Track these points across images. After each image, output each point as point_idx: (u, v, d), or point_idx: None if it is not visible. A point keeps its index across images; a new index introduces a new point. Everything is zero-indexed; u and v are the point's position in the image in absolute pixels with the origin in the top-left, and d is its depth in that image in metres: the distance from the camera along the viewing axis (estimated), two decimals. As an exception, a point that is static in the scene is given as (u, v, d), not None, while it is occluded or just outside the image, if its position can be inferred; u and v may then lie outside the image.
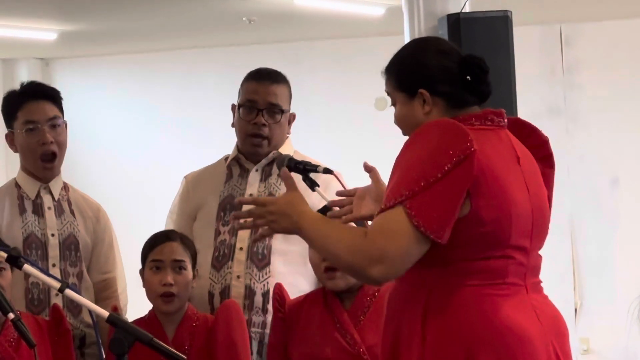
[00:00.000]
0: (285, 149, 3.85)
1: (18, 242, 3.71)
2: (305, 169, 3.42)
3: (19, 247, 3.61)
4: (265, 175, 3.86)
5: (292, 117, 3.93)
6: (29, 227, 3.78)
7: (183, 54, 9.71)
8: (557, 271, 8.27)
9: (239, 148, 3.92)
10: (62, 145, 3.83)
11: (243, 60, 7.26)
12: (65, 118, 3.86)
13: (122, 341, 2.67)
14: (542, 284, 2.83)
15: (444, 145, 2.61)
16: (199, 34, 9.03)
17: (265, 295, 3.72)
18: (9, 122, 3.84)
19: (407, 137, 2.75)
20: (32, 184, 3.83)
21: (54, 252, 3.77)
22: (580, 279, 8.77)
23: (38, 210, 3.81)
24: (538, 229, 2.77)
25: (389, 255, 2.59)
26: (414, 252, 2.61)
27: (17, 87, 3.89)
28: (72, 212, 3.87)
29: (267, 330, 3.69)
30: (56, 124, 3.81)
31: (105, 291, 3.91)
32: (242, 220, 2.90)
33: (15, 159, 3.94)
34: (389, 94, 2.88)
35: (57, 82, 9.07)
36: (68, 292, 2.79)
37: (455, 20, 5.89)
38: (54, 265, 3.75)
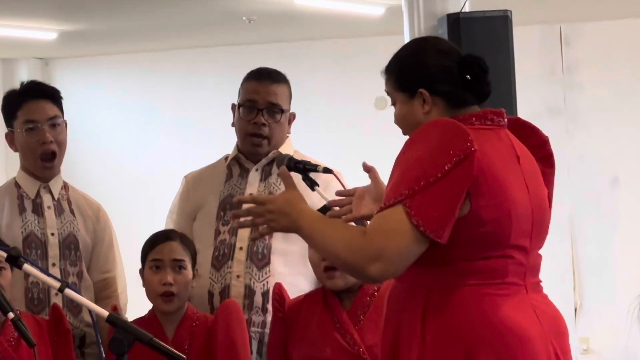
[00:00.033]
0: (285, 149, 3.85)
1: (18, 242, 3.71)
2: (305, 168, 3.42)
3: (19, 247, 3.61)
4: (265, 175, 3.86)
5: (292, 117, 3.93)
6: (29, 227, 3.78)
7: (183, 54, 9.71)
8: (557, 271, 8.27)
9: (239, 148, 3.92)
10: (62, 145, 3.83)
11: (243, 60, 7.26)
12: (65, 118, 3.87)
13: (121, 341, 2.67)
14: (542, 284, 2.83)
15: (444, 145, 2.61)
16: (199, 34, 9.03)
17: (265, 294, 3.72)
18: (8, 121, 3.84)
19: (407, 137, 2.75)
20: (32, 184, 3.83)
21: (53, 251, 3.77)
22: (580, 279, 8.77)
23: (38, 209, 3.81)
24: (538, 228, 2.77)
25: (388, 253, 2.59)
26: (413, 251, 2.61)
27: (17, 86, 3.89)
28: (72, 211, 3.87)
29: (267, 330, 3.69)
30: (56, 124, 3.81)
31: (105, 290, 3.91)
32: (241, 219, 2.90)
33: (15, 158, 3.94)
34: (388, 93, 2.88)
35: (57, 82, 9.06)
36: (68, 291, 2.79)
37: (455, 20, 5.90)
38: (53, 264, 3.75)
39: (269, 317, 3.68)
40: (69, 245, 3.81)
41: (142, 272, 3.68)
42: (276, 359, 3.61)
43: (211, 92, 9.43)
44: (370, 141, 8.35)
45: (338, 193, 3.16)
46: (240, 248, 3.77)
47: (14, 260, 2.85)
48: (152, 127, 9.89)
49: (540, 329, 2.68)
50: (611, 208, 8.70)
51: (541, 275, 2.83)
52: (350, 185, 3.32)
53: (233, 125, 3.91)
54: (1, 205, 3.82)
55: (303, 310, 3.57)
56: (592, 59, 8.79)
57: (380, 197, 2.87)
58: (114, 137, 9.96)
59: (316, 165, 3.43)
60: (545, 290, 2.84)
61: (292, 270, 3.77)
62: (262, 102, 3.82)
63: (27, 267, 2.83)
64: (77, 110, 8.34)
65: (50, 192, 3.85)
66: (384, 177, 2.75)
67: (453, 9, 6.00)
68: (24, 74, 9.37)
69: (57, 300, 3.68)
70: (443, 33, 5.87)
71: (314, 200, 3.34)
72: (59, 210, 3.84)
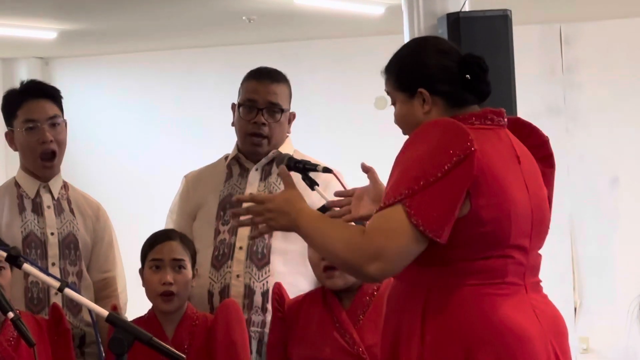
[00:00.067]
0: (285, 148, 3.85)
1: (17, 241, 3.71)
2: (305, 168, 3.42)
3: (19, 246, 3.62)
4: (265, 175, 3.86)
5: (292, 116, 3.93)
6: (29, 226, 3.78)
7: (183, 53, 9.71)
8: (556, 271, 8.27)
9: (238, 147, 3.92)
10: (61, 144, 3.83)
11: (243, 59, 7.26)
12: (65, 117, 3.86)
13: (121, 340, 2.67)
14: (541, 284, 2.83)
15: (444, 145, 2.61)
16: (198, 34, 9.03)
17: (264, 294, 3.72)
18: (8, 120, 3.84)
19: (407, 137, 2.75)
20: (32, 183, 3.83)
21: (53, 251, 3.77)
22: (580, 279, 8.77)
23: (37, 209, 3.81)
24: (538, 228, 2.77)
25: (387, 253, 2.59)
26: (412, 250, 2.61)
27: (17, 86, 3.89)
28: (71, 210, 3.87)
29: (267, 330, 3.69)
30: (56, 123, 3.80)
31: (105, 290, 3.91)
32: (241, 218, 2.90)
33: (15, 157, 3.94)
34: (388, 93, 2.88)
35: (57, 81, 9.05)
36: (67, 291, 2.79)
37: (454, 20, 5.89)
38: (53, 264, 3.75)
39: (269, 317, 3.68)
40: (69, 244, 3.81)
41: (141, 271, 3.68)
42: (276, 359, 3.61)
43: (211, 92, 9.43)
44: (370, 141, 8.35)
45: (337, 193, 3.16)
46: (240, 248, 3.77)
47: (14, 260, 2.85)
48: (152, 126, 9.90)
49: (539, 329, 2.68)
50: (611, 208, 8.70)
51: (541, 275, 2.83)
52: (350, 185, 3.32)
53: (233, 124, 3.91)
54: (1, 205, 3.82)
55: (303, 310, 3.57)
56: (592, 59, 8.79)
57: (379, 197, 2.87)
58: (113, 137, 9.96)
59: (316, 165, 3.43)
60: (545, 290, 2.84)
61: (291, 269, 3.77)
62: (262, 102, 3.82)
63: (26, 266, 2.83)
64: (77, 109, 8.34)
65: (50, 192, 3.85)
66: (385, 176, 2.75)
67: (453, 8, 6.00)
68: (23, 74, 9.37)
69: (56, 299, 3.68)
70: (443, 32, 5.87)
71: (314, 199, 3.34)
72: (58, 210, 3.84)
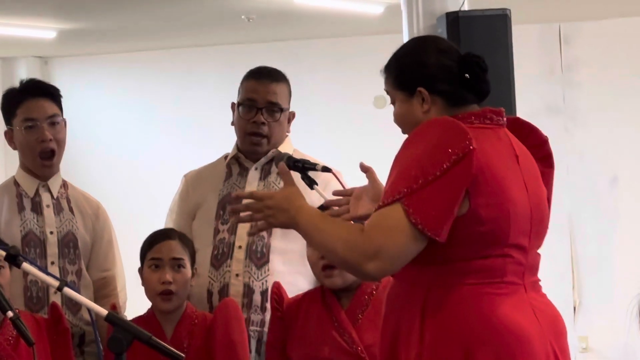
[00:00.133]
0: (284, 148, 3.85)
1: (17, 240, 3.71)
2: (304, 167, 3.42)
3: (18, 245, 3.62)
4: (265, 174, 3.86)
5: (292, 116, 3.93)
6: (28, 225, 3.78)
7: (182, 53, 9.71)
8: (556, 270, 8.27)
9: (238, 147, 3.92)
10: (61, 143, 3.83)
11: (242, 58, 7.26)
12: (64, 116, 3.87)
13: (120, 340, 2.67)
14: (540, 283, 2.83)
15: (443, 144, 2.61)
16: (198, 33, 9.03)
17: (264, 293, 3.72)
18: (8, 119, 3.85)
19: (406, 136, 2.76)
20: (31, 182, 3.84)
21: (52, 249, 3.77)
22: (579, 278, 8.77)
23: (37, 208, 3.81)
24: (537, 227, 2.78)
25: (386, 251, 2.59)
26: (411, 249, 2.61)
27: (16, 85, 3.89)
28: (71, 209, 3.87)
29: (266, 329, 3.69)
30: (55, 122, 3.81)
31: (105, 289, 3.91)
32: (240, 214, 2.90)
33: (14, 156, 3.94)
34: (388, 92, 2.89)
35: (56, 81, 9.06)
36: (66, 290, 2.79)
37: (454, 19, 5.89)
38: (52, 263, 3.75)
39: (268, 316, 3.68)
40: (68, 243, 3.81)
41: (140, 270, 3.68)
42: (275, 358, 3.61)
43: (210, 91, 9.43)
44: (369, 140, 8.34)
45: (335, 193, 3.16)
46: (240, 247, 3.77)
47: (13, 259, 2.85)
48: (152, 126, 9.89)
49: (538, 328, 2.68)
50: (610, 207, 8.70)
51: (540, 274, 2.83)
52: (349, 184, 3.32)
53: (233, 124, 3.92)
54: (0, 204, 3.82)
55: (302, 309, 3.57)
56: (591, 58, 8.78)
57: (377, 197, 2.87)
58: (113, 136, 9.96)
59: (315, 164, 3.43)
60: (545, 289, 2.84)
61: (291, 269, 3.77)
62: (261, 101, 3.82)
63: (25, 265, 2.83)
64: (76, 109, 8.34)
65: (49, 191, 3.85)
66: (384, 175, 2.75)
67: (452, 7, 6.00)
68: (23, 73, 9.36)
69: (56, 298, 3.69)
70: (442, 32, 5.86)
71: (313, 199, 3.34)
72: (58, 209, 3.84)
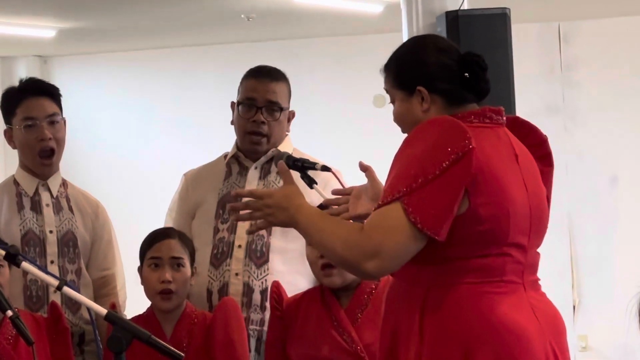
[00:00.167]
0: (284, 147, 3.85)
1: (16, 239, 3.71)
2: (303, 166, 3.42)
3: (17, 244, 3.63)
4: (264, 173, 3.86)
5: (292, 115, 3.93)
6: (27, 224, 3.78)
7: (182, 52, 9.70)
8: (555, 269, 8.27)
9: (238, 146, 3.92)
10: (60, 142, 3.83)
11: (242, 58, 7.25)
12: (64, 115, 3.87)
13: (120, 339, 2.68)
14: (540, 282, 2.83)
15: (443, 143, 2.61)
16: (198, 32, 9.02)
17: (263, 292, 3.72)
18: (7, 118, 3.85)
19: (406, 135, 2.76)
20: (31, 181, 3.84)
21: (52, 249, 3.77)
22: (578, 277, 8.77)
23: (36, 207, 3.81)
24: (536, 227, 2.78)
25: (385, 250, 2.59)
26: (411, 248, 2.61)
27: (15, 84, 3.89)
28: (70, 208, 3.87)
29: (265, 328, 3.69)
30: (55, 121, 3.81)
31: (104, 288, 3.91)
32: (240, 212, 2.90)
33: (14, 156, 3.94)
34: (387, 91, 2.89)
35: (56, 80, 9.04)
36: (66, 289, 2.79)
37: (453, 18, 5.89)
38: (52, 262, 3.75)
39: (268, 315, 3.68)
40: (68, 242, 3.81)
41: (140, 269, 3.68)
42: (274, 357, 3.61)
43: (210, 90, 9.42)
44: (369, 139, 8.34)
45: (334, 192, 3.16)
46: (239, 246, 3.77)
47: (12, 258, 2.85)
48: (152, 124, 9.89)
49: (538, 327, 2.68)
50: (610, 206, 8.69)
51: (540, 273, 2.83)
52: (349, 183, 3.32)
53: (232, 123, 3.92)
54: (0, 203, 3.82)
55: (301, 308, 3.58)
56: (591, 57, 8.78)
57: (376, 196, 2.87)
58: (113, 135, 9.96)
59: (314, 163, 3.43)
60: (544, 288, 2.84)
61: (290, 268, 3.77)
62: (261, 100, 3.82)
63: (25, 265, 2.83)
64: (75, 108, 8.32)
65: (49, 190, 3.85)
66: (383, 174, 2.75)
67: (452, 6, 6.00)
68: (22, 72, 9.36)
69: (55, 298, 3.69)
70: (442, 31, 5.86)
71: (313, 198, 3.34)
72: (57, 208, 3.84)
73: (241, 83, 3.90)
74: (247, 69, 3.93)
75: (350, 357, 3.44)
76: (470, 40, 5.71)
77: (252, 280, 3.74)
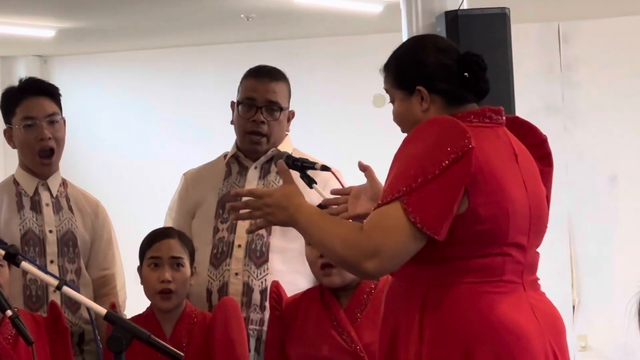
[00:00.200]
0: (284, 147, 3.85)
1: (16, 239, 3.71)
2: (303, 166, 3.42)
3: (17, 244, 3.62)
4: (264, 173, 3.86)
5: (292, 115, 3.93)
6: (27, 224, 3.78)
7: (182, 52, 9.70)
8: (555, 269, 8.27)
9: (238, 145, 3.92)
10: (60, 142, 3.83)
11: (241, 57, 7.25)
12: (64, 115, 3.87)
13: (120, 339, 2.67)
14: (539, 282, 2.83)
15: (442, 142, 2.62)
16: (197, 32, 9.02)
17: (263, 292, 3.72)
18: (7, 118, 3.85)
19: (405, 134, 2.76)
20: (30, 181, 3.84)
21: (51, 248, 3.77)
22: (578, 277, 8.77)
23: (36, 206, 3.81)
24: (536, 226, 2.78)
25: (385, 250, 2.59)
26: (410, 248, 2.61)
27: (15, 84, 3.89)
28: (70, 208, 3.87)
29: (265, 328, 3.69)
30: (54, 120, 3.81)
31: (104, 288, 3.91)
32: (240, 211, 2.90)
33: (13, 155, 3.94)
34: (387, 91, 2.89)
35: (55, 80, 9.03)
36: (66, 289, 2.79)
37: (453, 18, 5.89)
38: (52, 261, 3.75)
39: (267, 315, 3.68)
40: (67, 242, 3.81)
41: (140, 269, 3.68)
42: (274, 357, 3.61)
43: (210, 90, 9.42)
44: (368, 139, 8.34)
45: (333, 192, 3.16)
46: (239, 246, 3.77)
47: (12, 258, 2.85)
48: (151, 124, 9.89)
49: (537, 327, 2.68)
50: (609, 206, 8.69)
51: (539, 273, 2.83)
52: (349, 183, 3.32)
53: (232, 123, 3.92)
54: (0, 203, 3.82)
55: (300, 308, 3.57)
56: (591, 57, 8.78)
57: (376, 196, 2.87)
58: (112, 135, 9.96)
59: (314, 163, 3.43)
60: (544, 288, 2.84)
61: (290, 268, 3.77)
62: (261, 100, 3.82)
63: (24, 264, 2.83)
64: (75, 107, 8.33)
65: (49, 189, 3.85)
66: (383, 174, 2.75)
67: (451, 6, 6.00)
68: (22, 72, 9.36)
69: (55, 297, 3.68)
70: (441, 31, 5.86)
71: (312, 198, 3.34)
72: (57, 207, 3.84)
73: (241, 83, 3.90)
74: (247, 68, 3.93)
75: (349, 356, 3.44)
76: (470, 40, 5.71)
77: (252, 280, 3.74)
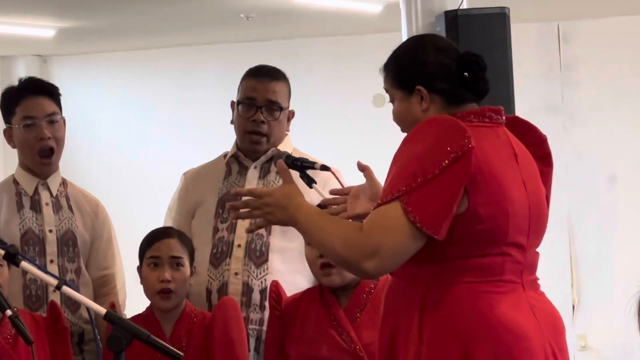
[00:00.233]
0: (284, 147, 3.85)
1: (16, 239, 3.71)
2: (303, 165, 3.42)
3: (17, 244, 3.63)
4: (264, 173, 3.86)
5: (292, 115, 3.93)
6: (27, 224, 3.78)
7: (181, 51, 9.70)
8: (555, 268, 8.27)
9: (238, 145, 3.92)
10: (60, 141, 3.83)
11: (241, 57, 7.25)
12: (64, 115, 3.87)
13: (119, 338, 2.67)
14: (539, 282, 2.83)
15: (442, 142, 2.62)
16: (197, 32, 9.02)
17: (262, 292, 3.72)
18: (7, 117, 3.85)
19: (405, 134, 2.76)
20: (30, 180, 3.84)
21: (51, 248, 3.77)
22: (578, 276, 8.77)
23: (36, 206, 3.81)
24: (535, 226, 2.78)
25: (384, 249, 2.59)
26: (410, 247, 2.61)
27: (15, 83, 3.89)
28: (70, 208, 3.87)
29: (265, 328, 3.69)
30: (54, 120, 3.81)
31: (104, 287, 3.91)
32: (240, 210, 2.90)
33: (13, 155, 3.94)
34: (387, 90, 2.89)
35: (55, 79, 9.00)
36: (65, 289, 2.79)
37: (452, 17, 5.89)
38: (51, 261, 3.75)
39: (267, 315, 3.68)
40: (67, 241, 3.81)
41: (139, 269, 3.68)
42: (273, 357, 3.61)
43: (210, 90, 9.42)
44: (368, 139, 8.34)
45: (332, 192, 3.16)
46: (239, 245, 3.77)
47: (12, 258, 2.85)
48: (151, 124, 9.89)
49: (537, 327, 2.68)
50: (609, 205, 8.69)
51: (539, 273, 2.83)
52: (349, 183, 3.32)
53: (232, 122, 3.92)
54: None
55: (300, 308, 3.57)
56: (590, 57, 8.78)
57: (375, 196, 2.88)
58: (112, 135, 9.95)
59: (314, 163, 3.43)
60: (543, 288, 2.84)
61: (290, 267, 3.77)
62: (261, 100, 3.82)
63: (24, 264, 2.83)
64: (75, 107, 8.32)
65: (49, 189, 3.85)
66: (383, 174, 2.75)
67: (451, 6, 6.00)
68: (21, 71, 9.35)
69: (55, 297, 3.68)
70: (441, 30, 5.86)
71: (312, 197, 3.34)
72: (57, 207, 3.84)
73: (241, 82, 3.90)
74: (247, 68, 3.93)
75: (349, 356, 3.44)
76: (470, 39, 5.72)
77: (252, 280, 3.74)
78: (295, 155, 3.56)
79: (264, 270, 3.75)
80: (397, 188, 2.60)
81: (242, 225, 3.74)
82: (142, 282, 3.67)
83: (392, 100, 2.87)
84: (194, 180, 3.98)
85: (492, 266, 2.67)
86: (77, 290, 2.97)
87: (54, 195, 3.85)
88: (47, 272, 2.90)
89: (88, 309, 2.94)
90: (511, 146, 2.78)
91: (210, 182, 3.91)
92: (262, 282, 3.73)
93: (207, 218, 3.86)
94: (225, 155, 3.95)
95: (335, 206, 3.11)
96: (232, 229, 3.79)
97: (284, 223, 2.81)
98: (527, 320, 2.67)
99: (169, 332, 3.61)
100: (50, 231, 3.78)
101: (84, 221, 3.88)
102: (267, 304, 3.68)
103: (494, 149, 2.71)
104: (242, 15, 8.23)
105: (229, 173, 3.90)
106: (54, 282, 2.80)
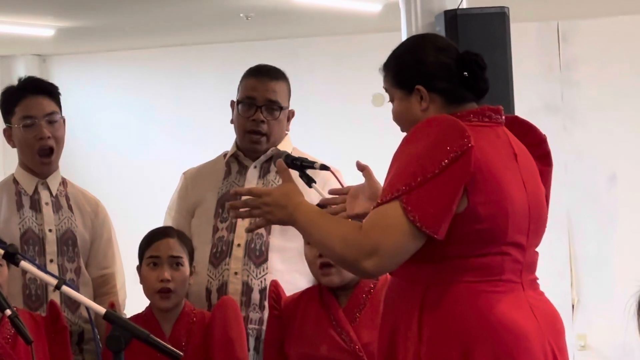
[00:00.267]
0: (284, 146, 3.85)
1: (15, 238, 3.70)
2: (302, 165, 3.42)
3: (17, 243, 3.62)
4: (264, 172, 3.86)
5: (291, 114, 3.93)
6: (27, 223, 3.78)
7: (181, 51, 9.70)
8: (554, 268, 8.27)
9: (237, 145, 3.92)
10: (59, 141, 3.83)
11: (241, 57, 7.24)
12: (63, 114, 3.87)
13: (119, 338, 2.67)
14: (538, 281, 2.83)
15: (442, 141, 2.62)
16: (196, 31, 9.02)
17: (262, 292, 3.72)
18: (6, 117, 3.85)
19: (405, 134, 2.76)
20: (30, 180, 3.84)
21: (51, 247, 3.77)
22: (577, 276, 8.77)
23: (35, 205, 3.81)
24: (535, 225, 2.78)
25: (384, 249, 2.59)
26: (409, 246, 2.61)
27: (14, 83, 3.89)
28: (70, 207, 3.87)
29: (264, 327, 3.69)
30: (54, 120, 3.81)
31: (104, 287, 3.91)
32: (240, 210, 2.90)
33: (13, 155, 3.94)
34: (386, 90, 2.89)
35: (55, 79, 9.03)
36: (65, 288, 2.79)
37: (452, 17, 5.89)
38: (51, 260, 3.75)
39: (267, 314, 3.68)
40: (67, 241, 3.81)
41: (139, 268, 3.68)
42: (273, 357, 3.61)
43: (209, 89, 9.42)
44: (368, 138, 8.34)
45: (331, 192, 3.16)
46: (238, 245, 3.77)
47: (11, 257, 2.85)
48: (151, 123, 9.89)
49: (536, 326, 2.68)
50: (609, 205, 8.70)
51: (539, 272, 2.83)
52: (349, 182, 3.32)
53: (232, 122, 3.92)
54: (-1, 202, 3.82)
55: (299, 307, 3.57)
56: (590, 56, 8.78)
57: (374, 195, 2.88)
58: (112, 134, 9.96)
59: (313, 162, 3.43)
60: (543, 287, 2.84)
61: (289, 267, 3.77)
62: (260, 99, 3.82)
63: (24, 264, 2.83)
64: (75, 107, 8.32)
65: (48, 188, 3.85)
66: (383, 173, 2.75)
67: (450, 5, 5.99)
68: (21, 71, 9.36)
69: (54, 297, 3.68)
70: (440, 30, 5.86)
71: (312, 197, 3.34)
72: (57, 207, 3.84)
73: (241, 82, 3.90)
74: (247, 68, 3.93)
75: (348, 356, 3.44)
76: (469, 39, 5.71)
77: (251, 279, 3.74)
78: (295, 154, 3.56)
79: (263, 270, 3.75)
80: (397, 187, 2.60)
81: (242, 224, 3.74)
82: (141, 282, 3.67)
83: (391, 100, 2.87)
84: (193, 179, 3.98)
85: (491, 266, 2.67)
86: (77, 290, 2.97)
87: (54, 194, 3.85)
88: (46, 272, 2.90)
89: (87, 308, 2.94)
90: (511, 146, 2.78)
91: (210, 182, 3.91)
92: (261, 281, 3.73)
93: (207, 217, 3.86)
94: (225, 154, 3.95)
95: (335, 206, 3.11)
96: (232, 229, 3.79)
97: (283, 222, 2.81)
98: (527, 320, 2.67)
99: (169, 331, 3.61)
100: (50, 231, 3.78)
101: (83, 221, 3.88)
102: (266, 303, 3.68)
103: (494, 149, 2.71)
104: (241, 15, 8.23)
105: (229, 172, 3.90)
106: (54, 281, 2.80)
